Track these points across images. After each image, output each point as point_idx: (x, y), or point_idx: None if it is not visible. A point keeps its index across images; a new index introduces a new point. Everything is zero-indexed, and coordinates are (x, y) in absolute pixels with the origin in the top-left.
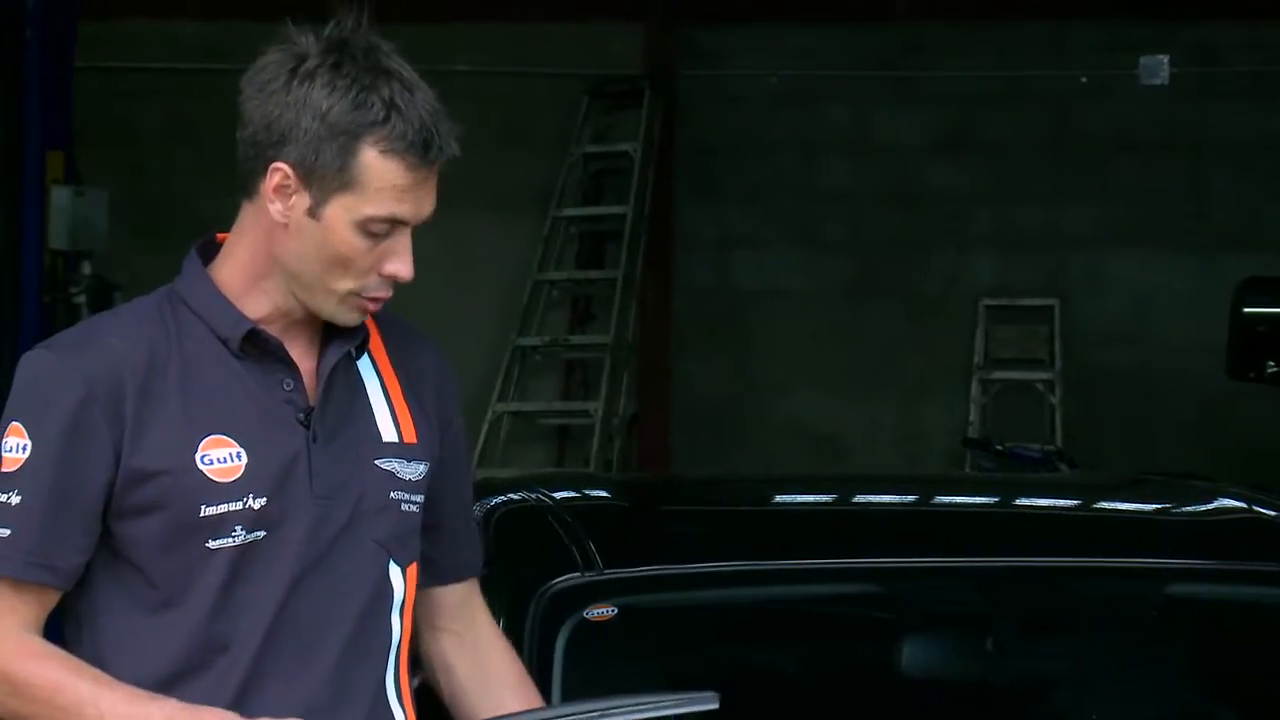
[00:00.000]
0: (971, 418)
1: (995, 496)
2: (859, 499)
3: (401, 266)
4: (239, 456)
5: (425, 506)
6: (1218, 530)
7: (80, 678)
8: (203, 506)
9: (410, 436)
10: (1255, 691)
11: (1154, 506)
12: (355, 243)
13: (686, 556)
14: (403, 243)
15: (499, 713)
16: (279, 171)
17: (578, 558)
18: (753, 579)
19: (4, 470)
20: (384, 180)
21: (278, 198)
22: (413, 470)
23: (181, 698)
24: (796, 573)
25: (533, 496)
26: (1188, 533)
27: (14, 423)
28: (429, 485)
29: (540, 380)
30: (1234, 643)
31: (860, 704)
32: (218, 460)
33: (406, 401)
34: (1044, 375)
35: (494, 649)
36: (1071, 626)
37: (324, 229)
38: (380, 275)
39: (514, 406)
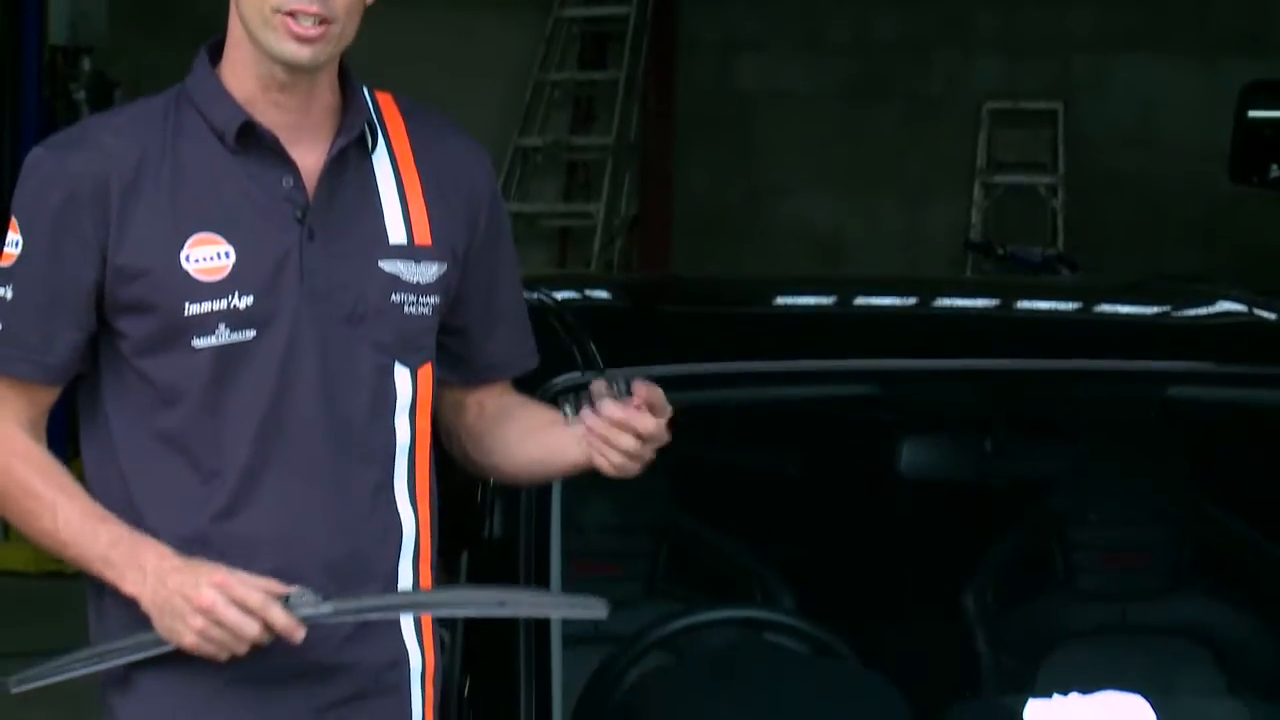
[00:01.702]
0: (973, 221)
1: (996, 299)
2: (859, 301)
3: None
4: (226, 255)
5: (453, 306)
6: (1218, 333)
7: (49, 483)
8: (187, 304)
9: (423, 238)
10: (1253, 494)
11: (1154, 309)
12: None
13: (687, 356)
14: None
15: (524, 426)
16: None
17: (578, 357)
18: (753, 379)
19: (2, 264)
20: None
21: None
22: (421, 272)
23: (177, 500)
24: (796, 374)
25: (534, 296)
26: (1188, 336)
27: (14, 218)
28: (451, 286)
29: (542, 181)
30: (1233, 445)
31: (858, 505)
32: (203, 259)
33: (426, 199)
34: (1046, 179)
35: (515, 400)
36: (1070, 429)
37: None
38: None
39: (515, 207)
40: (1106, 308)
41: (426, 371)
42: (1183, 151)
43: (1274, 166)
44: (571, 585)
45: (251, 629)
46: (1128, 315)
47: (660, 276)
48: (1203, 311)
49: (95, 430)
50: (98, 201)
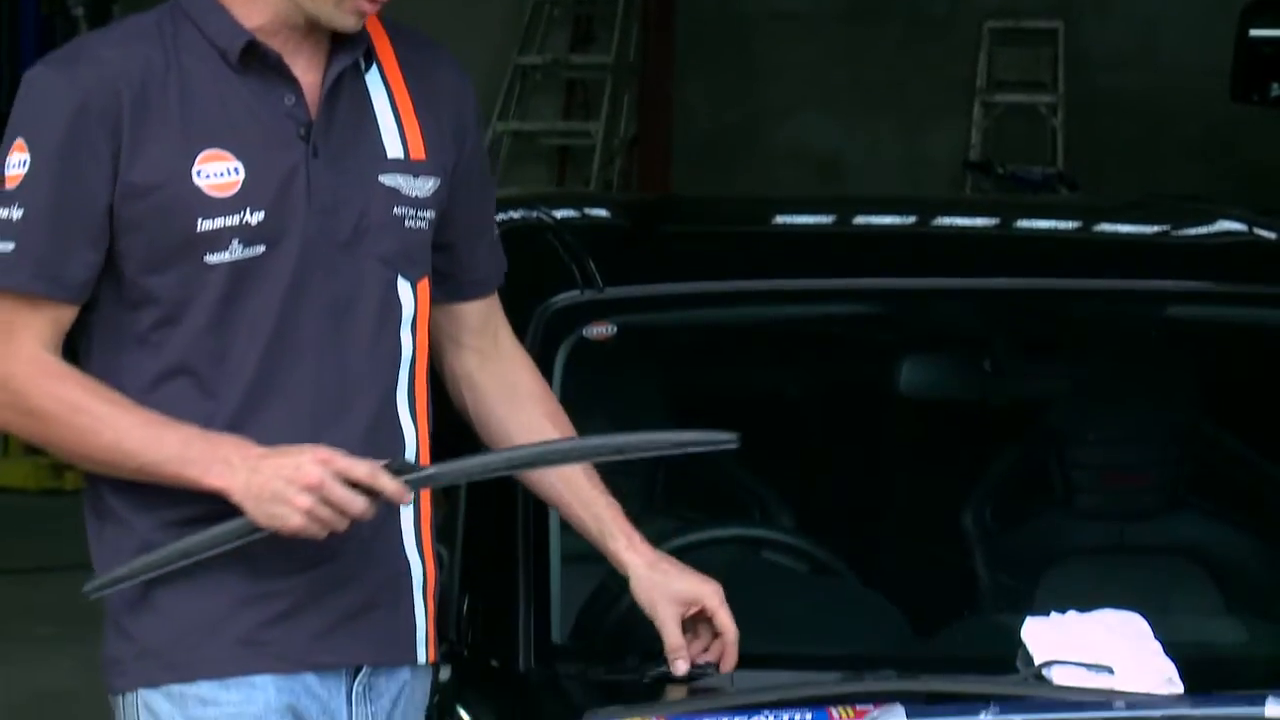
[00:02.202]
0: (973, 140)
1: (995, 219)
2: (860, 220)
3: None
4: (236, 171)
5: (441, 223)
6: (1218, 252)
7: (98, 398)
8: (200, 220)
9: (418, 152)
10: (1252, 413)
11: (1154, 228)
12: None
13: (686, 275)
14: None
15: (528, 427)
16: None
17: (577, 276)
18: (752, 299)
19: (6, 188)
20: None
21: None
22: (419, 186)
23: (180, 418)
24: (796, 293)
25: (533, 215)
26: (1187, 255)
27: (17, 139)
28: (443, 201)
29: (541, 99)
30: (1232, 365)
31: (858, 423)
32: (214, 175)
33: (418, 116)
34: (1047, 98)
35: (518, 363)
36: (1070, 348)
37: None
38: None
39: (515, 126)
40: (1106, 227)
41: (425, 285)
42: (1183, 70)
43: (1275, 85)
44: None
45: (359, 503)
46: (1127, 234)
47: (660, 196)
48: (1202, 230)
49: (88, 361)
50: (108, 115)
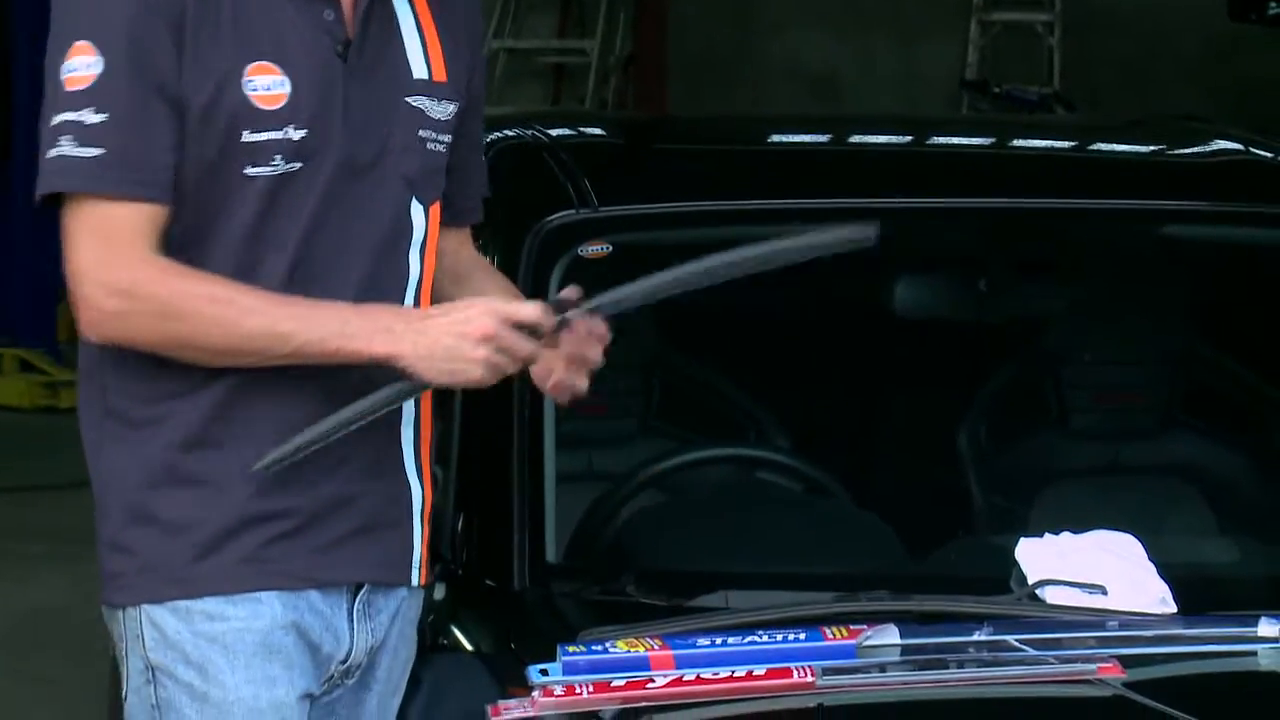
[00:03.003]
0: (969, 59)
1: (991, 138)
2: (855, 139)
3: None
4: (283, 85)
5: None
6: (1214, 172)
7: (234, 288)
8: (245, 132)
9: (440, 74)
10: (1247, 333)
11: (1151, 148)
12: None
13: (681, 194)
14: None
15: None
16: None
17: (573, 195)
18: (747, 218)
19: (76, 89)
20: None
21: None
22: (442, 109)
23: None
24: (791, 212)
25: (528, 133)
26: (1184, 174)
27: (77, 42)
28: (457, 127)
29: (537, 17)
30: (1229, 284)
31: (853, 343)
32: (263, 87)
33: (440, 38)
34: (1043, 16)
35: (470, 259)
36: (1066, 268)
37: None
38: None
39: (510, 43)
40: (1102, 146)
41: (436, 209)
42: None
43: (1272, 3)
44: (558, 420)
45: (527, 346)
46: (1124, 154)
47: (655, 115)
48: (1199, 150)
49: None
50: (173, 13)
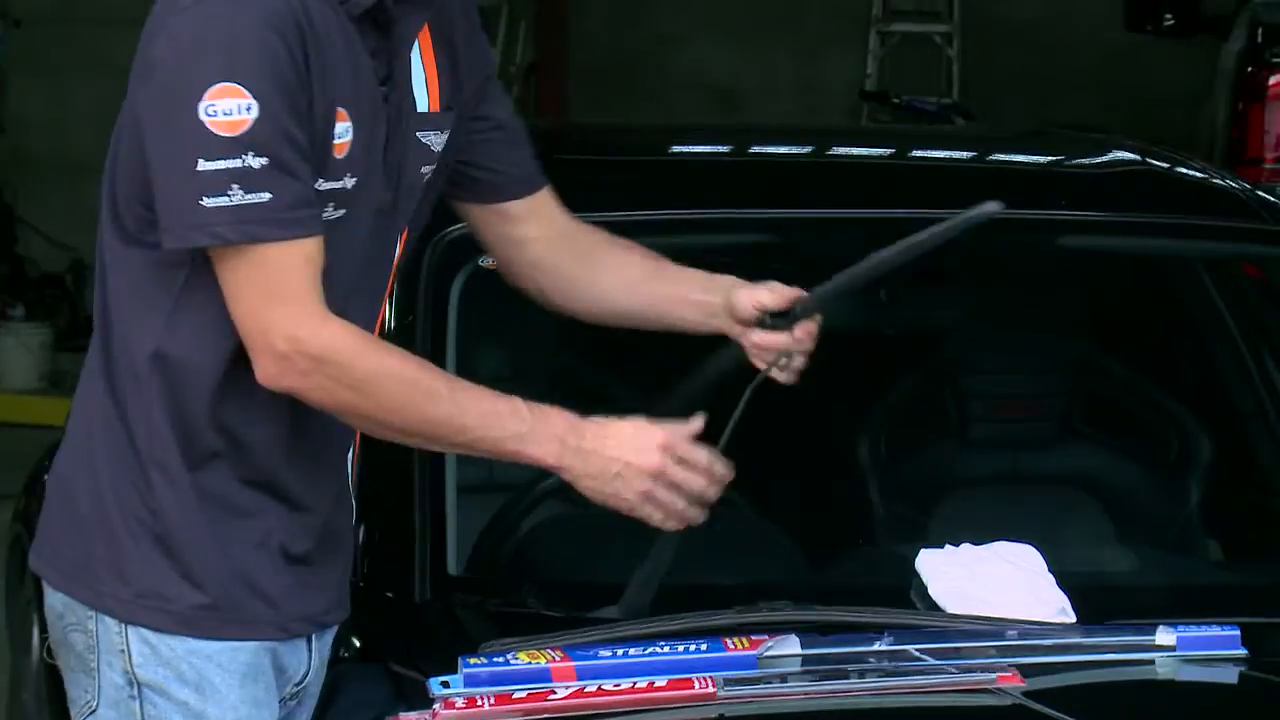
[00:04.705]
0: (869, 70)
1: (891, 148)
2: (756, 149)
3: None
4: (348, 132)
5: (473, 148)
6: (1112, 182)
7: (425, 369)
8: (321, 181)
9: (436, 103)
10: (1143, 343)
11: (1048, 158)
12: None
13: (583, 205)
14: None
15: (617, 273)
16: None
17: None
18: (647, 228)
19: (229, 135)
20: None
21: None
22: (439, 140)
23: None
24: (690, 222)
25: None
26: (1082, 184)
27: (220, 84)
28: (448, 149)
29: None
30: (1124, 293)
31: None
32: (339, 134)
33: (437, 63)
34: (942, 28)
35: (582, 230)
36: (965, 278)
37: None
38: None
39: None
40: (1001, 156)
41: (405, 232)
42: None
43: (1167, 15)
44: None
45: (697, 482)
46: (1021, 164)
47: (556, 124)
48: (1096, 160)
49: (119, 299)
50: (298, 48)
